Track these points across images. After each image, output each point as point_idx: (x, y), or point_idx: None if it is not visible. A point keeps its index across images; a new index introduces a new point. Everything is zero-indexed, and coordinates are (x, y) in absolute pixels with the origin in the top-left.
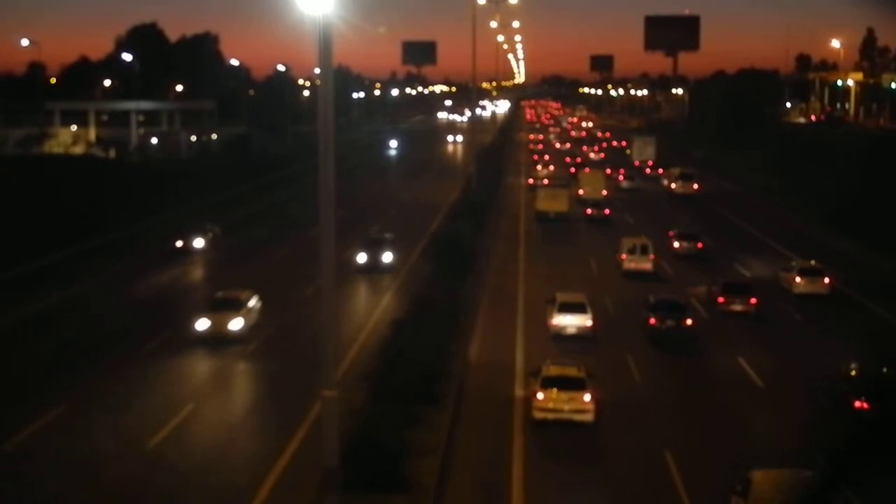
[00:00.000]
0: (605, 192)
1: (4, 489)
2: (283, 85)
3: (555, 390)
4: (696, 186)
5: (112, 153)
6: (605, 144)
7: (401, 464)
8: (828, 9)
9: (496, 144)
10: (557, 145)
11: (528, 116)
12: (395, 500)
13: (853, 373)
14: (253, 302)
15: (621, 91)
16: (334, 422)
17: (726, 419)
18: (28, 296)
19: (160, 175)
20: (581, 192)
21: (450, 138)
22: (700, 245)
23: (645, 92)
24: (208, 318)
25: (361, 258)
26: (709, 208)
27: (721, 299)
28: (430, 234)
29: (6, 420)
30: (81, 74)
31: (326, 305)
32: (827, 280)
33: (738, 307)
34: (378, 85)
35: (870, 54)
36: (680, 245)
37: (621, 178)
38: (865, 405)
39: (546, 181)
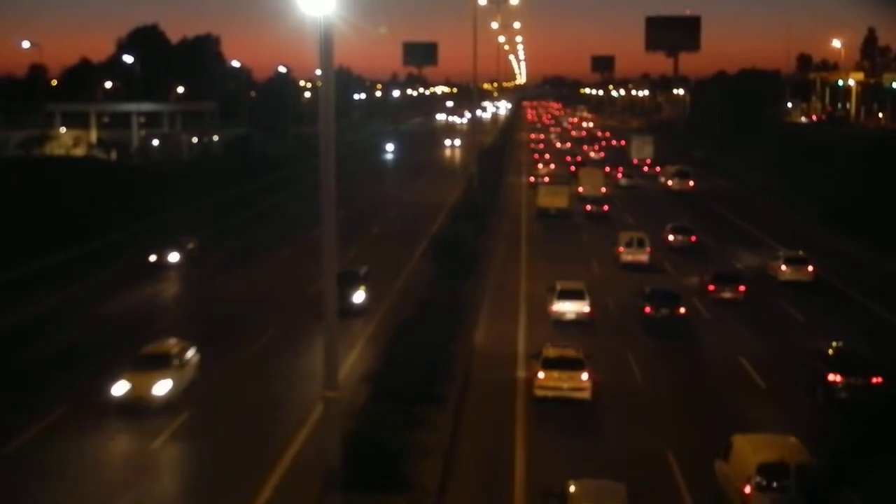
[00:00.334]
0: (604, 190)
1: None
2: (284, 86)
3: (555, 371)
4: (691, 183)
5: (113, 155)
6: (604, 143)
7: (402, 464)
8: (828, 9)
9: (497, 145)
10: (558, 145)
11: (529, 117)
12: (395, 501)
13: (830, 352)
14: (189, 355)
15: (622, 91)
16: (336, 422)
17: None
18: None
19: (161, 176)
20: (581, 189)
21: (447, 142)
22: (694, 238)
23: (646, 92)
24: (129, 379)
25: None
26: (704, 205)
27: (712, 287)
28: (431, 236)
29: None
30: (82, 76)
31: (328, 305)
32: (811, 268)
33: (727, 295)
34: (379, 86)
35: (871, 54)
36: (675, 238)
37: (620, 175)
38: (838, 378)
39: (547, 179)
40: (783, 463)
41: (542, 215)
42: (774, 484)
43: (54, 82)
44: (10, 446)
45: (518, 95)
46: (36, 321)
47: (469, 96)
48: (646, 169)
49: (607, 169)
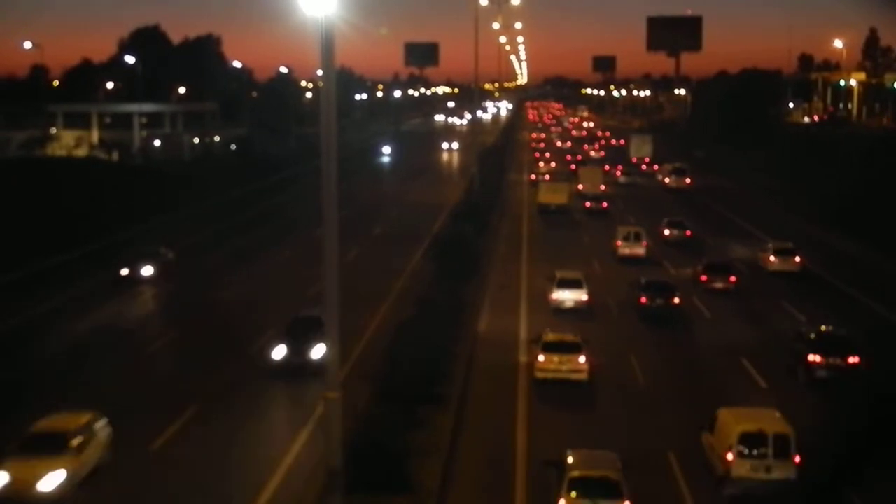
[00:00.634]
0: (603, 187)
1: None
2: (285, 87)
3: (554, 354)
4: (688, 181)
5: (115, 155)
6: (604, 143)
7: (403, 464)
8: (830, 9)
9: (499, 145)
10: (559, 144)
11: (530, 117)
12: (397, 501)
13: (812, 336)
14: (98, 427)
15: (624, 92)
16: (337, 423)
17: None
18: None
19: (162, 176)
20: (581, 186)
21: (444, 145)
22: (689, 233)
23: (647, 92)
24: (10, 468)
25: (278, 353)
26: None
27: (704, 278)
28: (433, 236)
29: None
30: (84, 77)
31: (329, 306)
32: (798, 259)
33: (718, 284)
34: (380, 86)
35: (873, 54)
36: (670, 233)
37: (619, 173)
38: (818, 359)
39: (548, 177)
40: (762, 432)
41: (543, 211)
42: (754, 452)
43: (56, 83)
44: None
45: (519, 96)
46: None
47: (471, 97)
48: (644, 167)
49: (607, 167)
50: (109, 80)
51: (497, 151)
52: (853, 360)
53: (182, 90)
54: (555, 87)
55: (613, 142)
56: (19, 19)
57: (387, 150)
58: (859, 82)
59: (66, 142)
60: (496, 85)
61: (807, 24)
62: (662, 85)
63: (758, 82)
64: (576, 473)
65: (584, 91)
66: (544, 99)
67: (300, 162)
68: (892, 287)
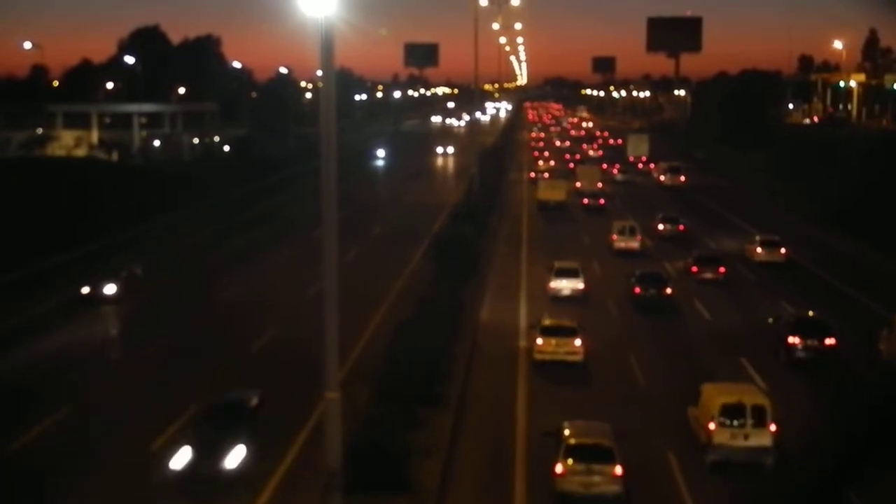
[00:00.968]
0: (600, 185)
1: None
2: (285, 87)
3: (552, 338)
4: (682, 178)
5: (114, 156)
6: (602, 142)
7: (403, 465)
8: (830, 10)
9: (499, 145)
10: (558, 143)
11: (530, 117)
12: (396, 502)
13: (791, 318)
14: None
15: (623, 93)
16: (337, 423)
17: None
18: None
19: (162, 176)
20: (578, 184)
21: (439, 149)
22: (682, 227)
23: (647, 93)
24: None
25: (180, 458)
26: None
27: (694, 269)
28: (433, 236)
29: None
30: (84, 77)
31: (328, 306)
32: (783, 250)
33: (708, 275)
34: (380, 87)
35: (872, 55)
36: (664, 227)
37: (616, 171)
38: (797, 340)
39: (547, 175)
40: (741, 404)
41: (542, 208)
42: (734, 422)
43: (56, 83)
44: None
45: (519, 96)
46: None
47: (470, 97)
48: (641, 166)
49: (604, 166)
50: (109, 81)
51: (497, 152)
52: (830, 341)
53: (182, 90)
54: (554, 88)
55: (611, 141)
56: (19, 19)
57: (381, 153)
58: (859, 83)
59: (66, 142)
60: (496, 85)
61: (806, 25)
62: (662, 86)
63: (757, 83)
64: (572, 441)
65: (583, 92)
66: (544, 100)
67: (299, 162)
68: (891, 286)
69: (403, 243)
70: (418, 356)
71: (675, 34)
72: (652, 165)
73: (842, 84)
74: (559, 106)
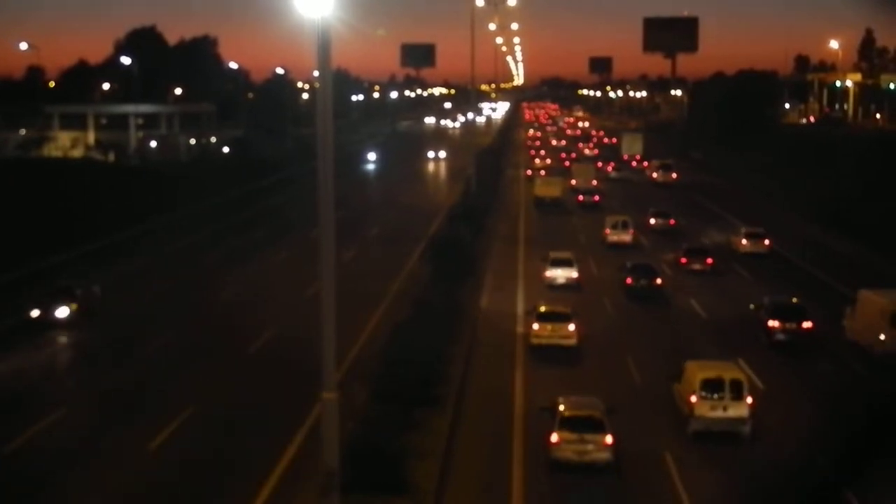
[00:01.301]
0: (595, 182)
1: None
2: (281, 88)
3: (547, 323)
4: (674, 176)
5: (111, 156)
6: (597, 141)
7: (400, 466)
8: (827, 10)
9: (495, 146)
10: (554, 142)
11: (527, 116)
12: (394, 502)
13: (770, 303)
14: None
15: (620, 93)
16: (334, 424)
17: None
18: None
19: (159, 177)
20: (574, 182)
21: (430, 154)
22: (672, 222)
23: (644, 93)
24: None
25: None
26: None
27: (684, 260)
28: (430, 237)
29: None
30: (80, 78)
31: (325, 306)
32: (767, 242)
33: (697, 266)
34: (377, 87)
35: (868, 55)
36: (655, 222)
37: (610, 169)
38: (776, 324)
39: (543, 172)
40: (720, 378)
41: (539, 204)
42: (714, 395)
43: (52, 84)
44: None
45: (516, 96)
46: None
47: (467, 97)
48: (634, 164)
49: (599, 164)
50: (105, 81)
51: (494, 152)
52: (807, 325)
53: (178, 91)
54: (551, 88)
55: (606, 140)
56: (15, 20)
57: (372, 156)
58: (855, 83)
59: (63, 143)
60: (493, 86)
61: (803, 25)
62: (659, 86)
63: (754, 83)
64: (566, 413)
65: (580, 92)
66: (541, 100)
67: (296, 163)
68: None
69: (400, 244)
70: (415, 358)
71: (671, 34)
72: (645, 164)
73: (838, 84)
74: (556, 106)
